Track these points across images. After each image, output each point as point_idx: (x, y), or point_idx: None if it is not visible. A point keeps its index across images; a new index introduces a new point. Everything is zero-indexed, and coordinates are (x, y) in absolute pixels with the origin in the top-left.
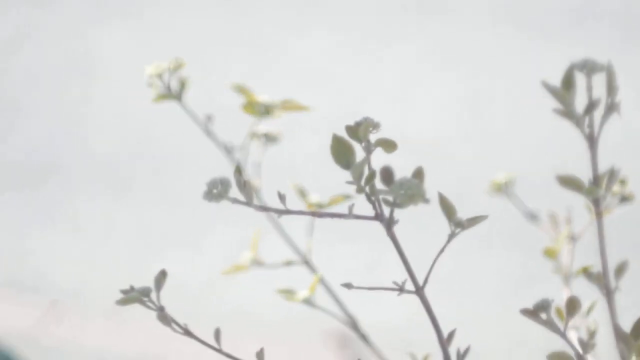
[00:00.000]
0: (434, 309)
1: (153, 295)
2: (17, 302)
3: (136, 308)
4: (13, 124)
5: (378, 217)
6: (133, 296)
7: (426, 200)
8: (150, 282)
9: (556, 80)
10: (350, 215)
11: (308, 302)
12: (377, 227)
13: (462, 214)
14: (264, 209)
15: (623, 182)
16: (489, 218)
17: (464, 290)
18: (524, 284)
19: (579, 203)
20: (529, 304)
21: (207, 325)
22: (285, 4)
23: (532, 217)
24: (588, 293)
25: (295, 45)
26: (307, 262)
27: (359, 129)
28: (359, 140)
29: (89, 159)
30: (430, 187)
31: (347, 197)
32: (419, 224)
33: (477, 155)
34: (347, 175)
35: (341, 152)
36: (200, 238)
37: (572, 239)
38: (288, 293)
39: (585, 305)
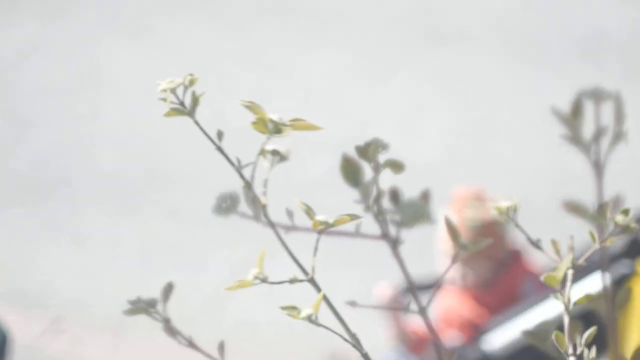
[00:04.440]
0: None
1: (159, 307)
2: (22, 315)
3: (139, 323)
4: (21, 138)
5: (384, 236)
6: (140, 307)
7: (432, 221)
8: (154, 298)
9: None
10: (356, 233)
11: (311, 319)
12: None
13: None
14: (272, 224)
15: (626, 212)
16: None
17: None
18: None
19: (577, 229)
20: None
21: (211, 340)
22: (298, 28)
23: (535, 243)
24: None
25: (306, 69)
26: (311, 280)
27: (369, 150)
28: (368, 161)
29: (96, 173)
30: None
31: (353, 217)
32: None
33: (478, 180)
34: (351, 197)
35: (350, 171)
36: (206, 254)
37: (574, 265)
38: (292, 310)
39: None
